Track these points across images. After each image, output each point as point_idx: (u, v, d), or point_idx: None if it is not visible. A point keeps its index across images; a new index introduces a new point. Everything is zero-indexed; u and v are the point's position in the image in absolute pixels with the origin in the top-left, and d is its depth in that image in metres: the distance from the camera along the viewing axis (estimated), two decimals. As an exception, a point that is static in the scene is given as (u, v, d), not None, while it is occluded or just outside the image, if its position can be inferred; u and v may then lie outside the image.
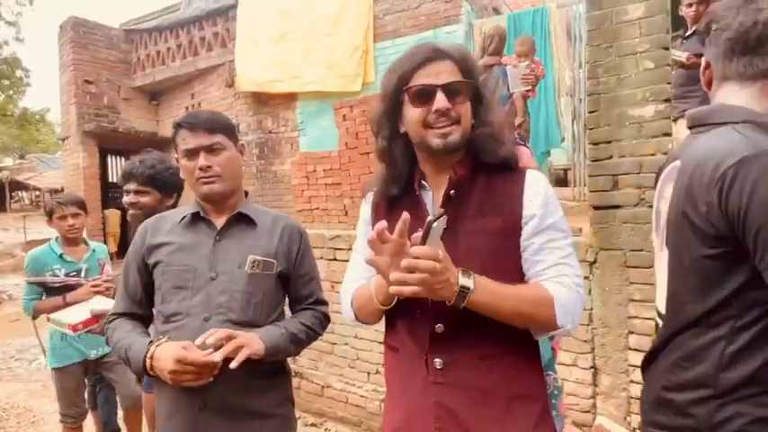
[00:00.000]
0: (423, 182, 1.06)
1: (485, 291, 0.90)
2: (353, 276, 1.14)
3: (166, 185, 1.90)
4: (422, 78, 0.99)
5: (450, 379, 0.97)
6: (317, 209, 5.77)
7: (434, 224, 0.84)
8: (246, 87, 6.25)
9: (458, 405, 0.96)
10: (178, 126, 1.29)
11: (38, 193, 22.92)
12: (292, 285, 1.37)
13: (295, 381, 3.87)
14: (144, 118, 8.01)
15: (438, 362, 0.97)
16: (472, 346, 0.97)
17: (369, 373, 3.77)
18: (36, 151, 28.73)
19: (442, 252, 0.85)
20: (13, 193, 22.46)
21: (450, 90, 0.98)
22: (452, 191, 1.02)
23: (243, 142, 1.41)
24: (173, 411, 1.24)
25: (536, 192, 1.00)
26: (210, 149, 1.26)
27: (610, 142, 2.48)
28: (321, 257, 3.61)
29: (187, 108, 7.37)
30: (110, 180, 8.89)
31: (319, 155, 5.76)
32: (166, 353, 1.13)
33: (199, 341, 1.11)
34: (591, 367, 2.58)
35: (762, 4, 0.84)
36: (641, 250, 2.35)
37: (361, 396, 3.73)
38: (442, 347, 0.97)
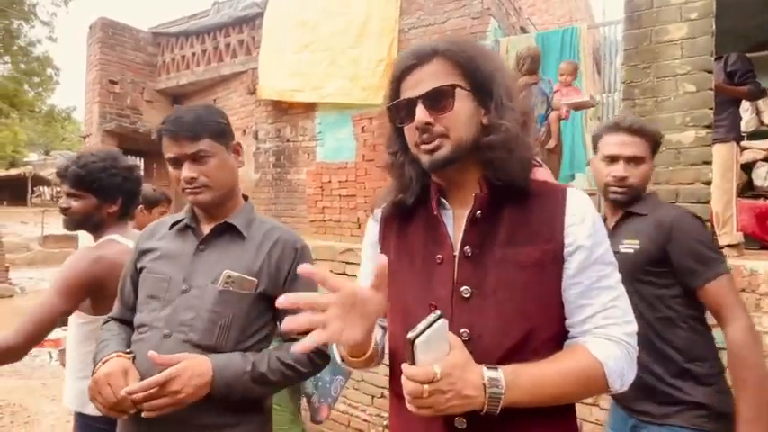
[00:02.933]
0: (442, 199, 0.90)
1: (519, 387, 0.73)
2: None
3: (104, 189, 1.55)
4: (406, 91, 0.85)
5: None
6: (330, 220, 5.67)
7: (432, 328, 0.69)
8: (268, 95, 6.23)
9: None
10: (160, 131, 1.16)
11: (59, 189, 23.38)
12: (281, 311, 1.16)
13: (296, 398, 3.71)
14: (165, 120, 8.07)
15: (459, 420, 0.79)
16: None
17: (373, 397, 3.60)
18: (61, 148, 29.39)
19: (442, 366, 0.69)
20: (36, 188, 22.93)
21: (433, 99, 0.82)
22: (479, 211, 0.85)
23: (238, 141, 1.27)
24: None
25: (581, 216, 0.83)
26: (195, 158, 1.14)
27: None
28: (331, 271, 3.48)
29: (208, 113, 7.42)
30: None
31: (335, 165, 5.68)
32: (103, 368, 1.03)
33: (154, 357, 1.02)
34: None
35: None
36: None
37: (364, 420, 3.55)
38: None
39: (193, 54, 7.35)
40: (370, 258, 1.00)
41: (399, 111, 0.88)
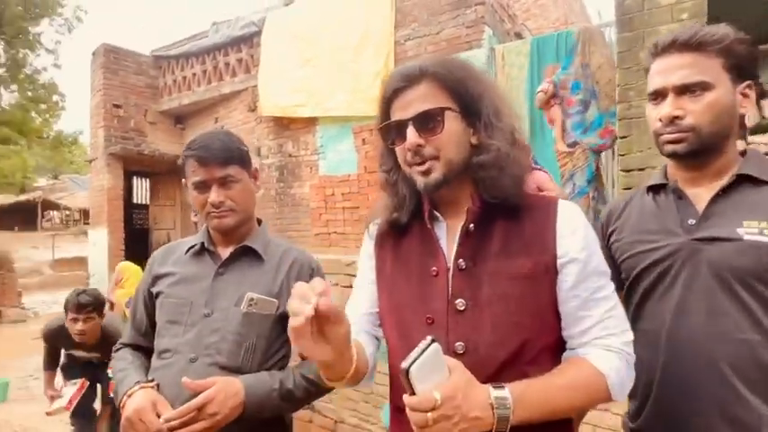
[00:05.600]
0: (435, 212, 0.91)
1: (528, 402, 0.73)
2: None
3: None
4: (396, 113, 0.87)
5: None
6: (335, 233, 5.68)
7: (425, 355, 0.68)
8: (269, 112, 6.30)
9: None
10: (187, 156, 1.19)
11: (68, 212, 23.62)
12: None
13: (306, 414, 3.71)
14: (169, 141, 8.16)
15: None
16: None
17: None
18: (69, 172, 29.75)
19: (443, 391, 0.68)
20: (45, 213, 23.21)
21: (423, 121, 0.84)
22: (471, 224, 0.86)
23: (257, 166, 1.30)
24: None
25: (573, 228, 0.83)
26: (223, 182, 1.17)
27: (643, 169, 2.33)
28: (336, 284, 3.48)
29: (210, 131, 7.50)
30: (134, 201, 9.09)
31: (338, 178, 5.71)
32: (131, 403, 1.05)
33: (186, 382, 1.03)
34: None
35: None
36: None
37: (377, 433, 3.54)
38: None
39: (194, 74, 7.46)
40: (368, 269, 1.00)
41: (390, 131, 0.89)
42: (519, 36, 5.96)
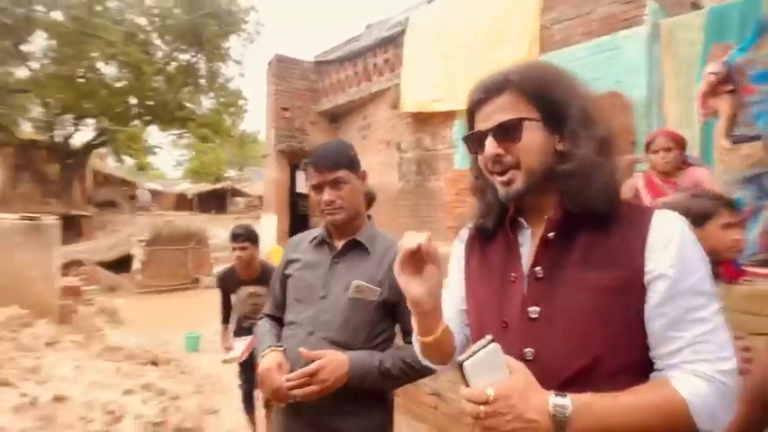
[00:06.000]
0: (520, 219, 0.93)
1: (591, 414, 0.72)
2: None
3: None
4: (478, 123, 0.90)
5: None
6: (469, 227, 5.68)
7: (482, 351, 0.74)
8: (409, 108, 6.56)
9: None
10: (307, 163, 1.43)
11: (249, 198, 27.88)
12: (400, 316, 1.37)
13: (432, 400, 3.84)
14: (326, 138, 9.06)
15: None
16: None
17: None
18: (251, 165, 35.11)
19: (498, 389, 0.72)
20: (233, 199, 27.74)
21: (502, 131, 0.86)
22: (551, 233, 0.86)
23: (364, 169, 1.47)
24: (279, 425, 1.40)
25: (665, 241, 0.78)
26: (334, 184, 1.36)
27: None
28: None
29: (359, 129, 8.10)
30: (297, 191, 10.35)
31: (473, 173, 5.69)
32: (264, 362, 1.29)
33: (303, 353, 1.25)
34: None
35: None
36: None
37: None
38: None
39: (346, 77, 8.13)
40: (455, 271, 1.07)
41: (473, 141, 0.94)
42: (696, 6, 5.10)
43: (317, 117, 8.97)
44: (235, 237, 3.08)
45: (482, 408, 0.72)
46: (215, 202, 26.84)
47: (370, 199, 2.44)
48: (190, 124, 19.50)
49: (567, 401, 0.73)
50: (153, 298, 12.05)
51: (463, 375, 0.74)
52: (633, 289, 0.79)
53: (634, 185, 2.68)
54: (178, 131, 21.61)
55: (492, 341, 0.75)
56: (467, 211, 1.07)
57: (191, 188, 28.47)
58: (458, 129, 6.00)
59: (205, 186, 27.87)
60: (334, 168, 1.36)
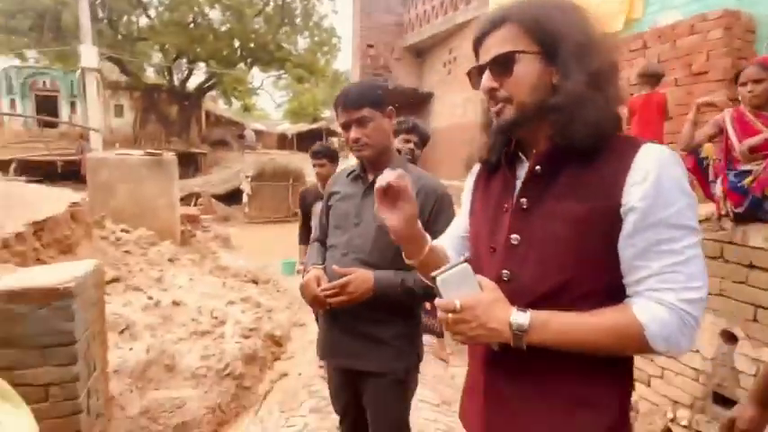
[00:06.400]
0: (519, 153, 0.96)
1: (545, 328, 0.80)
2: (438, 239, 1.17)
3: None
4: (480, 56, 0.91)
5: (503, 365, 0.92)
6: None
7: (454, 269, 0.83)
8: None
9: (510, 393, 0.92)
10: (335, 104, 1.54)
11: (343, 138, 28.77)
12: None
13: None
14: (411, 75, 8.96)
15: (494, 344, 0.90)
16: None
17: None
18: (345, 104, 35.66)
19: (464, 300, 0.83)
20: (329, 138, 28.90)
21: (497, 65, 0.86)
22: (538, 166, 0.89)
23: (391, 108, 1.54)
24: (322, 331, 1.66)
25: (644, 174, 0.78)
26: (359, 122, 1.46)
27: None
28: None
29: (445, 64, 7.85)
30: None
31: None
32: (306, 276, 1.50)
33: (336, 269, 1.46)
34: None
35: None
36: None
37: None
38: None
39: (432, 7, 7.81)
40: (464, 203, 1.15)
41: (475, 75, 0.98)
42: None
43: (401, 53, 8.84)
44: (314, 154, 3.22)
45: (450, 315, 0.84)
46: (312, 141, 28.02)
47: (424, 139, 2.46)
48: (287, 65, 20.26)
49: (527, 316, 0.80)
50: (258, 228, 13.45)
51: (436, 288, 0.86)
52: (609, 220, 0.81)
53: (719, 121, 2.39)
54: (277, 72, 22.58)
55: (465, 261, 0.85)
56: (474, 146, 1.11)
57: (290, 128, 30.05)
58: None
59: (303, 126, 29.21)
60: (358, 107, 1.45)
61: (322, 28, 20.26)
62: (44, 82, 19.61)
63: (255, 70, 21.97)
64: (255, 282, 6.12)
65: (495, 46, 0.89)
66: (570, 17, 0.87)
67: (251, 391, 3.36)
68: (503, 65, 0.88)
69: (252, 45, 19.44)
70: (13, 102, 18.92)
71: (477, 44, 0.95)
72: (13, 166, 13.49)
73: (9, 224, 3.28)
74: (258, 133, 25.71)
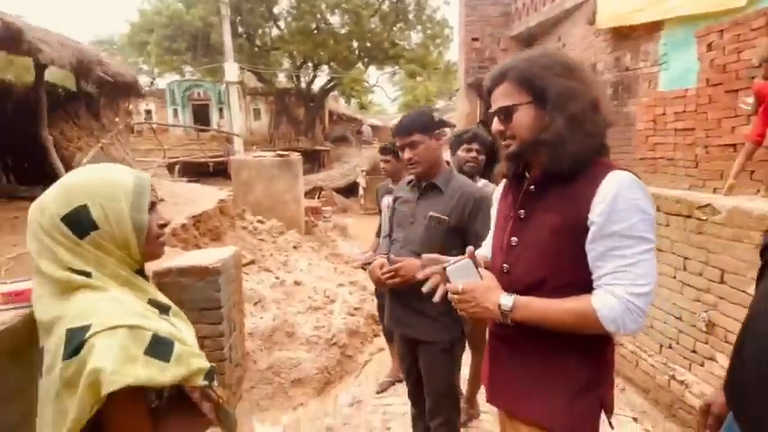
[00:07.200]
0: (526, 174, 1.22)
1: (526, 309, 1.08)
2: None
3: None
4: (492, 104, 1.18)
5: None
6: (662, 158, 5.01)
7: (454, 265, 1.15)
8: (605, 23, 5.88)
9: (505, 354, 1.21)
10: (392, 133, 1.91)
11: (455, 128, 28.69)
12: (468, 238, 1.78)
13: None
14: (519, 64, 8.80)
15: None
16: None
17: (661, 346, 3.45)
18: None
19: (465, 285, 1.13)
20: (442, 129, 29.01)
21: (503, 113, 1.13)
22: (532, 186, 1.16)
23: (440, 131, 1.86)
24: (388, 304, 2.04)
25: (604, 196, 1.01)
26: (411, 146, 1.82)
27: None
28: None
29: (553, 51, 7.59)
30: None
31: (671, 95, 4.88)
32: (373, 263, 1.90)
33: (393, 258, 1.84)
34: None
35: None
36: None
37: (651, 365, 3.49)
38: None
39: (540, -6, 7.60)
40: (491, 213, 1.44)
41: (491, 118, 1.27)
42: None
43: (508, 43, 8.73)
44: (381, 150, 3.37)
45: (455, 296, 1.16)
46: (426, 132, 28.44)
47: (488, 145, 2.57)
48: (400, 61, 20.94)
49: (511, 299, 1.09)
50: (372, 218, 14.30)
51: (447, 277, 1.19)
52: (579, 230, 1.05)
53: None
54: (391, 69, 23.43)
55: (469, 257, 1.16)
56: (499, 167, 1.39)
57: (405, 121, 30.86)
58: (665, 42, 5.18)
59: (417, 118, 29.77)
60: (409, 134, 1.81)
61: (435, 21, 20.46)
62: (198, 93, 23.14)
63: (372, 69, 23.10)
64: (364, 268, 6.76)
65: (499, 99, 1.17)
66: (553, 71, 1.12)
67: (352, 359, 3.93)
68: (505, 114, 1.16)
69: (368, 45, 20.48)
70: (175, 111, 22.72)
71: (488, 95, 1.25)
72: (177, 167, 16.30)
73: (177, 218, 4.30)
74: (374, 128, 26.94)
